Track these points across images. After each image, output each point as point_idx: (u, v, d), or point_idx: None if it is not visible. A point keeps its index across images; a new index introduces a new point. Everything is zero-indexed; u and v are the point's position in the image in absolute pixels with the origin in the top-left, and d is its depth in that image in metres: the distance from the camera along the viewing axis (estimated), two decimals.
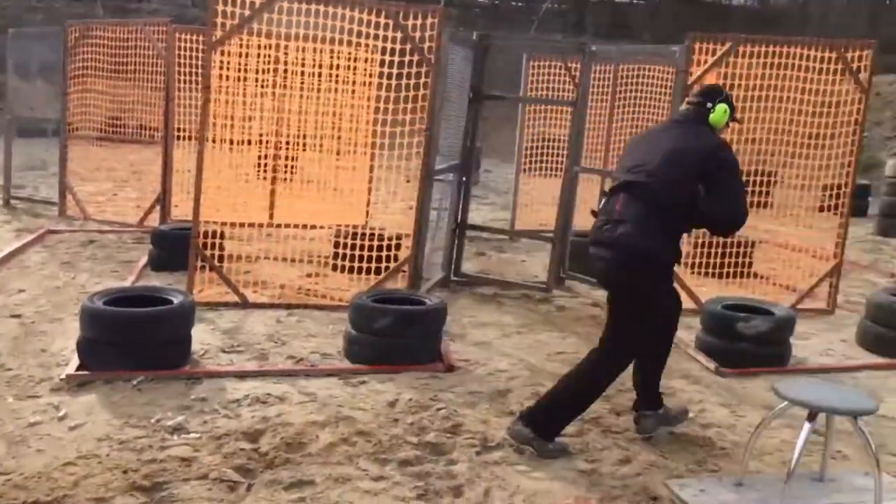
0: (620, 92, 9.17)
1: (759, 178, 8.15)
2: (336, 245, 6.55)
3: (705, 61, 6.21)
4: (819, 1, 31.76)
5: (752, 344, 5.06)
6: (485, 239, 8.69)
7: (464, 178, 6.81)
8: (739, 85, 7.45)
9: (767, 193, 8.03)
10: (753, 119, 7.13)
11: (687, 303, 6.31)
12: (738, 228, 3.72)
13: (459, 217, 6.89)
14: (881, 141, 16.55)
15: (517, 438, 3.65)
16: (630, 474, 3.51)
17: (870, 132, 16.69)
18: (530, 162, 9.48)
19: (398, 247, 6.38)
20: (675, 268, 3.93)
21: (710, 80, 7.83)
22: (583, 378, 3.67)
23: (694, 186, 3.55)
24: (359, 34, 5.78)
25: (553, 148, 9.25)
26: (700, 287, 6.68)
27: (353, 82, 6.32)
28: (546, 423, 3.62)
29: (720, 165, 3.54)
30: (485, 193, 13.20)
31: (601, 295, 6.77)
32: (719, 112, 3.75)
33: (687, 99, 3.97)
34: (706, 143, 3.61)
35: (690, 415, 4.27)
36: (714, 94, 3.82)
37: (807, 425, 2.89)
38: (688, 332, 5.74)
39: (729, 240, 7.02)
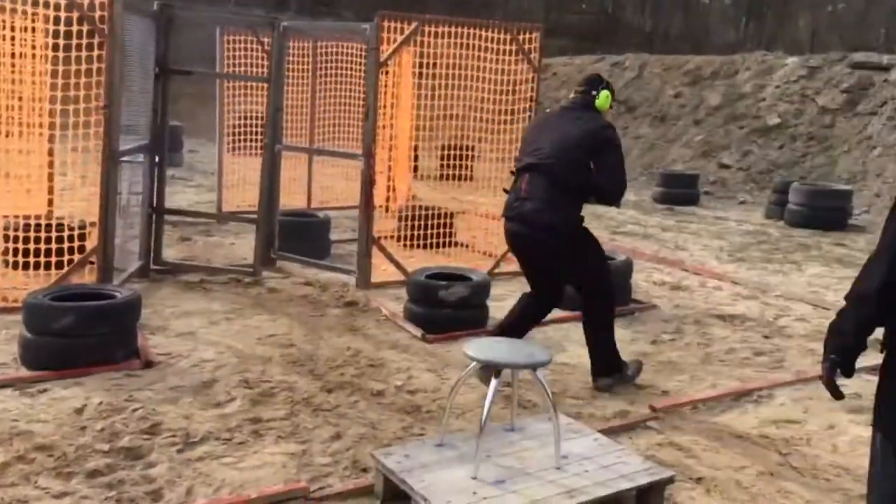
0: (321, 69, 9.14)
1: (460, 153, 8.66)
2: (7, 239, 5.75)
3: (395, 39, 6.37)
4: None
5: (453, 309, 5.33)
6: (189, 223, 8.22)
7: (157, 159, 6.33)
8: (437, 63, 7.80)
9: (468, 167, 8.55)
10: (452, 96, 7.52)
11: (396, 275, 6.54)
12: (622, 195, 4.33)
13: (155, 201, 6.41)
14: None
15: (607, 390, 4.32)
16: (341, 450, 3.51)
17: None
18: (237, 141, 9.12)
19: (84, 237, 5.77)
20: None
21: (405, 57, 8.11)
22: (599, 324, 4.36)
23: (587, 163, 4.10)
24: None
25: (259, 126, 8.96)
26: (409, 259, 6.91)
27: (13, 55, 5.55)
28: (610, 363, 4.34)
29: (607, 143, 4.12)
30: (190, 175, 12.49)
31: (313, 274, 6.80)
32: (603, 97, 4.30)
33: (574, 88, 4.44)
34: (594, 125, 4.15)
35: (399, 383, 4.41)
36: (597, 82, 4.35)
37: (493, 381, 3.07)
38: (397, 302, 5.92)
39: (432, 212, 7.35)
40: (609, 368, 4.40)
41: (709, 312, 6.12)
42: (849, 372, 2.13)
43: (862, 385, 4.62)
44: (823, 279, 7.43)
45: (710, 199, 13.01)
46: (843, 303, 2.18)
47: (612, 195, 4.30)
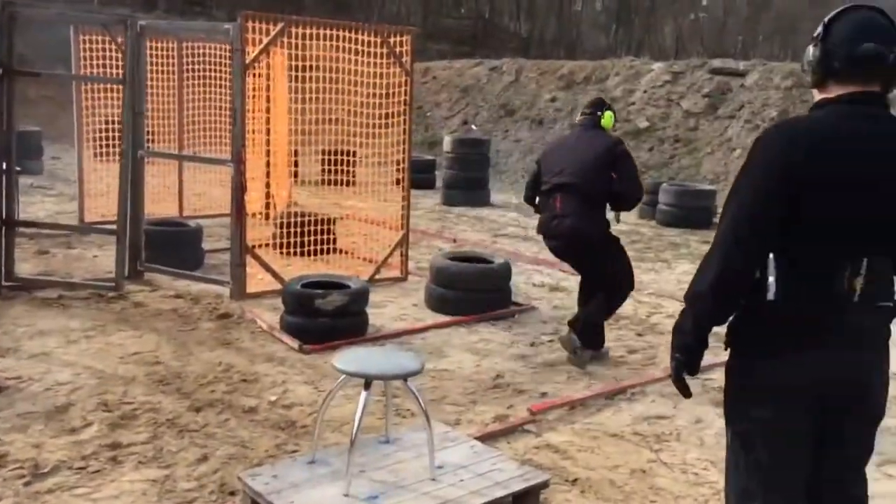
0: (189, 71, 8.77)
1: (341, 157, 8.49)
2: None
3: (261, 41, 6.17)
4: None
5: (331, 318, 5.20)
6: (48, 235, 7.70)
7: (4, 166, 5.87)
8: (314, 66, 7.63)
9: (350, 172, 8.40)
10: (331, 100, 7.36)
11: (273, 284, 6.33)
12: (640, 201, 4.98)
13: (5, 212, 5.93)
14: (441, 120, 18.49)
15: (585, 360, 4.86)
16: (208, 472, 3.33)
17: (431, 112, 18.55)
18: (101, 146, 8.61)
19: None
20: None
21: (278, 59, 7.90)
22: (601, 306, 4.89)
23: (608, 176, 4.63)
24: None
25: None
26: (287, 267, 6.71)
27: None
28: (595, 339, 4.91)
29: (621, 156, 4.65)
30: (51, 183, 11.74)
31: (184, 286, 6.48)
32: (607, 117, 4.85)
33: (581, 111, 4.99)
34: (607, 142, 4.71)
35: (273, 398, 4.25)
36: (600, 105, 4.91)
37: (364, 393, 2.98)
38: (273, 313, 5.72)
39: (311, 219, 7.17)
40: (593, 343, 4.93)
41: None
42: (693, 370, 2.14)
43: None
44: (691, 276, 7.73)
45: None
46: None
47: (630, 201, 4.87)
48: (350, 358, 3.10)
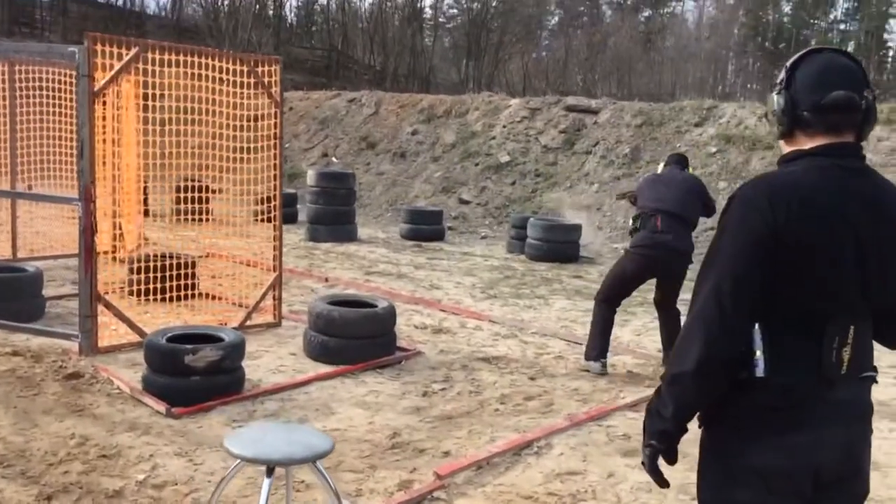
0: (24, 97, 7.87)
1: (198, 191, 7.82)
2: None
3: (112, 66, 5.55)
4: (229, 17, 33.25)
5: (203, 376, 4.64)
6: None
7: None
8: (165, 95, 7.01)
9: (206, 207, 7.76)
10: (186, 131, 6.77)
11: (131, 335, 5.65)
12: None
13: None
14: (300, 152, 17.94)
15: None
16: None
17: (290, 144, 17.96)
18: None
19: None
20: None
21: (126, 86, 7.22)
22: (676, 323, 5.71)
23: (700, 205, 5.76)
24: None
25: None
26: (145, 315, 6.04)
27: None
28: None
29: (705, 190, 5.89)
30: None
31: (23, 340, 5.63)
32: (688, 167, 6.11)
33: (666, 161, 6.11)
34: (697, 180, 5.94)
35: (141, 477, 3.67)
36: (684, 158, 6.19)
37: (266, 480, 2.56)
38: (133, 370, 5.08)
39: (171, 261, 6.53)
40: None
41: (473, 356, 6.00)
42: (672, 459, 1.90)
43: (627, 424, 4.72)
44: (570, 312, 7.71)
45: (453, 234, 13.29)
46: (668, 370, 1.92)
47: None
48: (246, 438, 2.65)
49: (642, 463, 1.94)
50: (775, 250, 1.77)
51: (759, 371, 1.80)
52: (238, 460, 2.61)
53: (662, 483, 1.94)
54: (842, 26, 52.86)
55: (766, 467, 1.83)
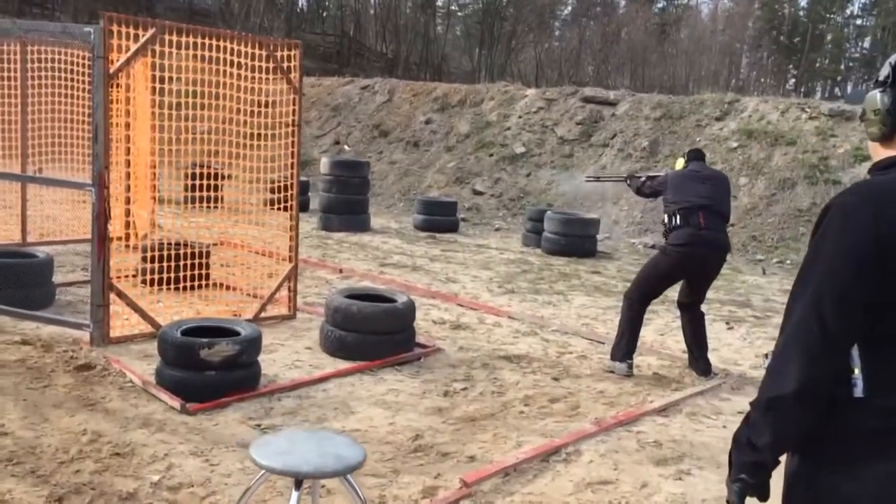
0: (35, 79, 7.70)
1: (211, 177, 7.64)
2: None
3: (127, 47, 5.37)
4: (241, 1, 33.02)
5: (218, 371, 4.48)
6: None
7: None
8: (179, 78, 6.83)
9: (219, 195, 7.58)
10: (200, 116, 6.59)
11: (144, 325, 5.50)
12: None
13: None
14: (312, 139, 17.75)
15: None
16: None
17: (301, 130, 17.77)
18: None
19: None
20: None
21: (139, 68, 7.03)
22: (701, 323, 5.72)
23: (730, 200, 5.73)
24: None
25: None
26: (157, 304, 5.89)
27: None
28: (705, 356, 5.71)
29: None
30: None
31: (33, 329, 5.47)
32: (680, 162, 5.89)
33: (688, 156, 5.83)
34: (725, 176, 5.97)
35: (155, 478, 3.51)
36: (704, 154, 5.98)
37: (294, 493, 2.41)
38: (146, 362, 4.93)
39: (184, 250, 6.36)
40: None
41: (494, 354, 5.82)
42: (764, 495, 1.71)
43: (657, 430, 4.55)
44: (589, 309, 7.54)
45: (467, 225, 13.10)
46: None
47: None
48: (273, 448, 2.49)
49: (727, 501, 1.73)
50: (882, 265, 1.60)
51: (858, 391, 1.64)
52: (263, 471, 2.45)
53: None
54: (858, 21, 52.29)
55: (860, 497, 1.64)
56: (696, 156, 5.87)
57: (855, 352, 1.66)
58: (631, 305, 5.54)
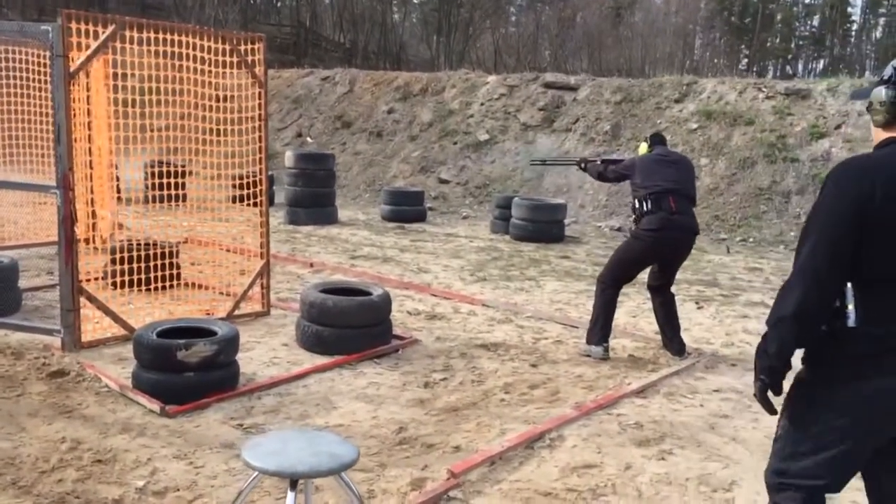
0: None
1: (172, 174, 7.51)
2: None
3: (87, 46, 5.25)
4: None
5: (196, 372, 4.43)
6: None
7: None
8: (137, 75, 6.71)
9: (181, 194, 7.48)
10: (164, 114, 6.47)
11: (116, 328, 5.42)
12: None
13: None
14: (274, 132, 17.55)
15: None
16: None
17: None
18: None
19: None
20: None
21: (97, 66, 6.88)
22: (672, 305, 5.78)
23: (694, 183, 5.81)
24: None
25: None
26: (128, 306, 5.79)
27: None
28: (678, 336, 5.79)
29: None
30: None
31: (1, 336, 5.33)
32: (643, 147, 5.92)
33: (651, 140, 5.86)
34: (689, 160, 5.98)
35: (140, 483, 3.47)
36: (664, 138, 5.99)
37: (290, 494, 2.41)
38: (121, 365, 4.86)
39: (153, 250, 6.26)
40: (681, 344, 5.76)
41: (471, 342, 5.85)
42: (778, 390, 2.23)
43: (637, 411, 4.62)
44: (562, 294, 7.60)
45: (434, 214, 13.10)
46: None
47: None
48: (264, 449, 2.48)
49: (754, 395, 2.28)
50: (865, 219, 2.10)
51: (851, 322, 2.14)
52: (255, 472, 2.44)
53: (772, 411, 2.27)
54: (806, 0, 53.20)
55: (849, 405, 2.17)
56: (659, 140, 5.91)
57: (849, 291, 2.15)
58: (604, 290, 5.59)
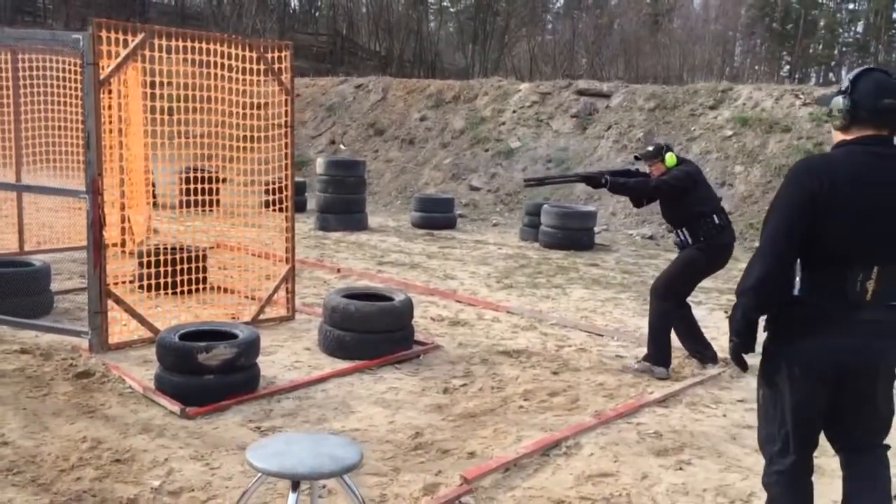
0: (26, 87, 7.70)
1: (206, 180, 7.62)
2: None
3: (118, 53, 5.36)
4: (232, 3, 32.94)
5: (217, 375, 4.48)
6: None
7: None
8: (171, 83, 6.82)
9: (215, 199, 7.58)
10: (196, 121, 6.59)
11: (142, 331, 5.50)
12: None
13: None
14: (307, 139, 17.74)
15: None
16: None
17: (297, 131, 17.75)
18: None
19: None
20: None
21: (132, 74, 7.02)
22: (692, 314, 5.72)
23: None
24: None
25: None
26: (155, 309, 5.89)
27: None
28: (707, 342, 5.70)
29: None
30: None
31: (31, 338, 5.46)
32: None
33: (678, 156, 5.51)
34: None
35: (156, 483, 3.51)
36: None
37: (292, 496, 2.42)
38: (145, 368, 4.94)
39: (181, 254, 6.36)
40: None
41: (493, 349, 5.83)
42: (749, 348, 2.65)
43: (657, 421, 4.55)
44: (588, 302, 7.54)
45: (465, 221, 13.10)
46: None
47: None
48: (269, 451, 2.49)
49: (729, 355, 2.75)
50: (812, 207, 2.48)
51: (796, 291, 2.59)
52: (260, 473, 2.46)
53: (744, 367, 2.72)
54: (850, 6, 52.19)
55: (798, 358, 2.60)
56: (652, 150, 5.57)
57: (798, 266, 2.57)
58: (675, 308, 5.44)
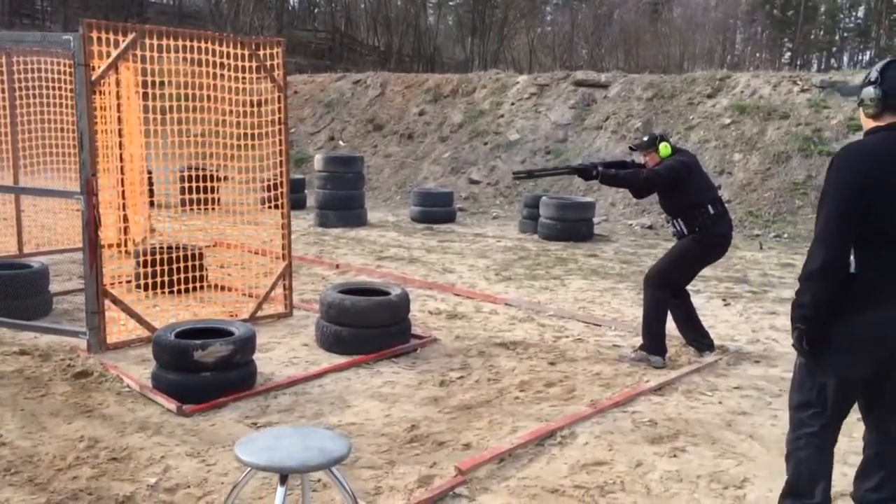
0: (23, 89, 7.72)
1: (204, 179, 7.66)
2: None
3: (108, 53, 5.37)
4: (231, 1, 32.89)
5: (213, 372, 4.50)
6: None
7: None
8: (166, 82, 6.84)
9: (214, 194, 7.61)
10: (192, 119, 6.60)
11: (140, 331, 5.53)
12: None
13: None
14: (307, 136, 17.75)
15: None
16: None
17: (296, 128, 17.79)
18: None
19: None
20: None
21: (126, 74, 7.05)
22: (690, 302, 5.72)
23: None
24: None
25: None
26: (153, 309, 5.91)
27: None
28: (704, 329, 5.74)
29: None
30: None
31: (30, 339, 5.49)
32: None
33: (668, 139, 5.48)
34: None
35: (152, 480, 3.54)
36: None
37: (280, 489, 2.43)
38: (143, 367, 4.96)
39: (178, 253, 6.39)
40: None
41: (490, 341, 5.84)
42: (814, 338, 2.72)
43: (653, 409, 4.57)
44: (586, 293, 7.54)
45: (464, 215, 13.10)
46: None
47: None
48: (258, 445, 2.50)
49: (792, 345, 2.82)
50: (862, 192, 2.64)
51: (852, 268, 2.71)
52: (249, 469, 2.47)
53: (813, 355, 2.76)
54: None
55: (848, 331, 2.71)
56: (649, 140, 5.51)
57: (853, 247, 2.69)
58: (668, 296, 5.43)
